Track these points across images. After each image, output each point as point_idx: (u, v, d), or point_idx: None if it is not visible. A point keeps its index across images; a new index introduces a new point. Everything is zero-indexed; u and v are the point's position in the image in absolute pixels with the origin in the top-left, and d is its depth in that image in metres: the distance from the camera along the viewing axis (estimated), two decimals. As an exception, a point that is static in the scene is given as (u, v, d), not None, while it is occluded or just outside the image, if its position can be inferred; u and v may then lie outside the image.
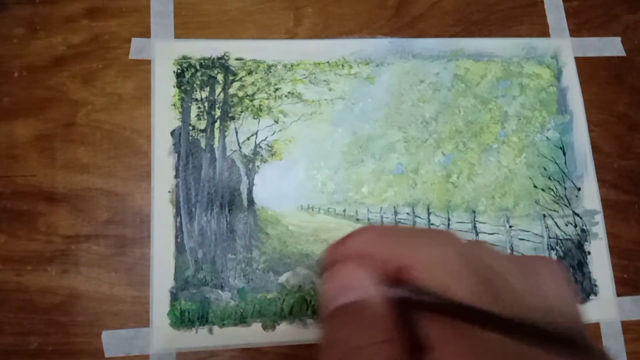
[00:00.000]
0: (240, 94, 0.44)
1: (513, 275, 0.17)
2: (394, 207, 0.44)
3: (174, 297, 0.39)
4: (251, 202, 0.42)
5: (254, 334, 0.39)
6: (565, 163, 0.46)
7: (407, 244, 0.18)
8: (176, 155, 0.42)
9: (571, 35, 0.49)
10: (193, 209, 0.41)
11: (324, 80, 0.45)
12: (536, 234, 0.44)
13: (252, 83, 0.44)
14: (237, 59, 0.44)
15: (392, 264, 0.18)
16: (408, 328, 0.17)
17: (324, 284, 0.19)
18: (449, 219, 0.44)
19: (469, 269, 0.16)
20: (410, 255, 0.17)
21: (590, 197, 0.45)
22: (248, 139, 0.43)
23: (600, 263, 0.44)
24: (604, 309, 0.43)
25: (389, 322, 0.17)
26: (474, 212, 0.44)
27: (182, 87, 0.43)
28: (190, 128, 0.43)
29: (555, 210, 0.44)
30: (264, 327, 0.39)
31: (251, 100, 0.44)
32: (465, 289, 0.16)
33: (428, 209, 0.44)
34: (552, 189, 0.45)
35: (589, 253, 0.44)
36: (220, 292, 0.40)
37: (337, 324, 0.17)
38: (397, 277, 0.17)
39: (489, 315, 0.14)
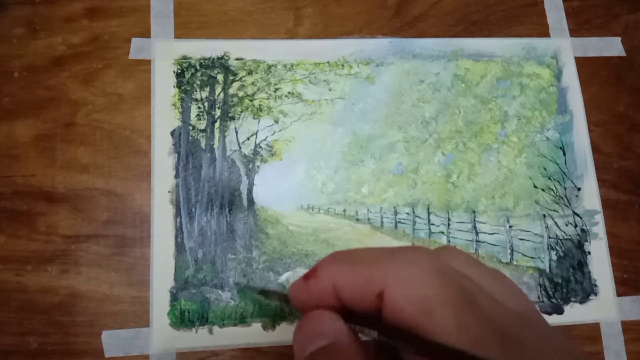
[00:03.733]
0: (240, 94, 0.44)
1: (486, 279, 0.17)
2: (394, 207, 0.44)
3: (174, 297, 0.39)
4: (251, 202, 0.42)
5: (254, 334, 0.39)
6: (565, 163, 0.46)
7: (382, 269, 0.16)
8: (176, 155, 0.42)
9: (571, 35, 0.49)
10: (193, 209, 0.41)
11: (324, 80, 0.45)
12: (536, 234, 0.44)
13: (252, 83, 0.44)
14: (237, 59, 0.44)
15: (369, 292, 0.16)
16: None
17: (296, 331, 0.18)
18: (449, 219, 0.44)
19: (451, 288, 0.16)
20: (387, 280, 0.16)
21: (590, 197, 0.45)
22: (248, 139, 0.43)
23: (600, 263, 0.44)
24: (604, 309, 0.43)
25: None
26: (474, 212, 0.44)
27: (182, 87, 0.43)
28: (190, 128, 0.43)
29: (555, 210, 0.44)
30: (264, 327, 0.39)
31: (251, 100, 0.44)
32: (451, 317, 0.15)
33: (428, 209, 0.44)
34: (552, 189, 0.45)
35: (589, 253, 0.44)
36: (220, 292, 0.40)
37: None
38: (377, 304, 0.16)
39: (468, 358, 0.14)
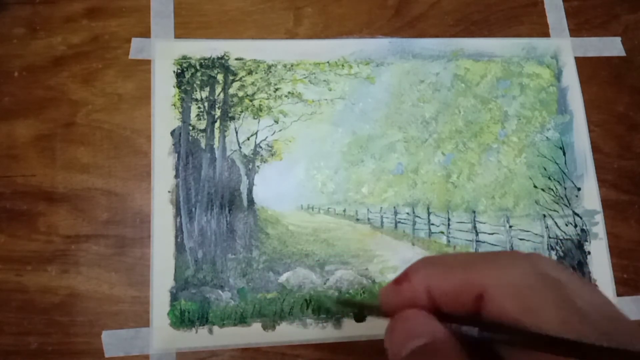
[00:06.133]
0: (240, 94, 0.44)
1: (573, 282, 0.17)
2: (394, 207, 0.44)
3: (174, 297, 0.39)
4: (251, 202, 0.42)
5: (254, 334, 0.39)
6: (565, 163, 0.46)
7: (480, 272, 0.17)
8: (176, 155, 0.42)
9: (571, 35, 0.49)
10: (193, 209, 0.41)
11: (324, 80, 0.45)
12: (536, 234, 0.44)
13: (252, 83, 0.44)
14: (237, 59, 0.44)
15: (467, 294, 0.17)
16: None
17: (390, 331, 0.18)
18: (449, 219, 0.44)
19: (549, 288, 0.16)
20: (487, 282, 0.17)
21: (590, 197, 0.45)
22: (248, 139, 0.43)
23: (600, 263, 0.44)
24: (604, 309, 0.42)
25: (460, 358, 0.16)
26: (474, 212, 0.44)
27: (182, 87, 0.43)
28: (190, 128, 0.43)
29: (555, 210, 0.44)
30: (264, 327, 0.39)
31: (251, 100, 0.44)
32: (553, 314, 0.16)
33: (428, 209, 0.44)
34: (552, 189, 0.45)
35: (589, 253, 0.44)
36: (220, 292, 0.40)
37: None
38: (475, 307, 0.17)
39: (579, 345, 0.14)
